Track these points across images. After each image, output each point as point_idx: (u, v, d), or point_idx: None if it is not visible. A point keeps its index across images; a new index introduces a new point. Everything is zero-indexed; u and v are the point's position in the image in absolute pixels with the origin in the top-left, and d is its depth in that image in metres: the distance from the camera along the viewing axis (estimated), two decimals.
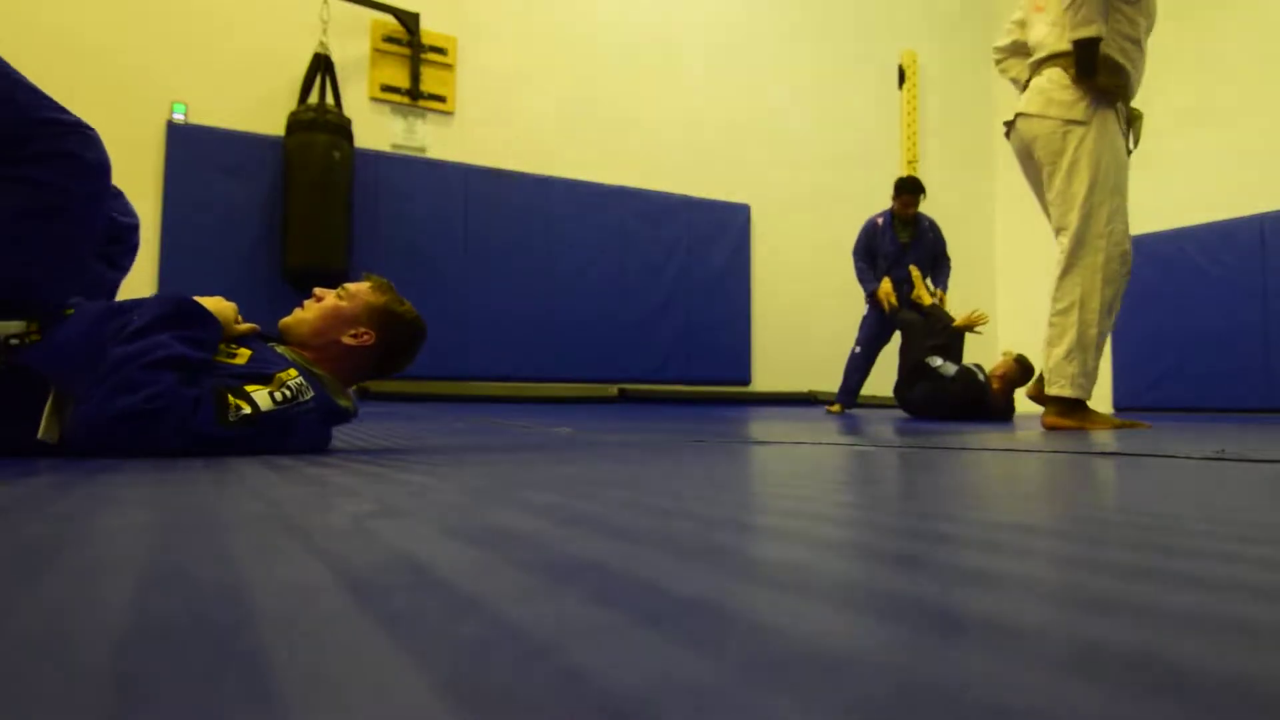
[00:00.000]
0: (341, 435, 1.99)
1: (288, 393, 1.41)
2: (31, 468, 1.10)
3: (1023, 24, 2.95)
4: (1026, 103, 2.74)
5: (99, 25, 5.19)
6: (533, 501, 0.79)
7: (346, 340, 1.57)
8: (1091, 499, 0.91)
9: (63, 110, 1.43)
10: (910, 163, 8.17)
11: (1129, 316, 7.23)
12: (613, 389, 6.46)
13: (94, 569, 0.48)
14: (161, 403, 1.26)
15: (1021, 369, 4.19)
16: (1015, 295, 8.41)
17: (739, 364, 7.17)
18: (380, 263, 5.71)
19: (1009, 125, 2.86)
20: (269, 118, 5.51)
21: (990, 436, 2.34)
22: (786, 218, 7.50)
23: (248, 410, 1.35)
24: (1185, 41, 6.95)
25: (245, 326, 1.52)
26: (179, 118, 5.33)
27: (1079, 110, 2.66)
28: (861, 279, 5.00)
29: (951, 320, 4.39)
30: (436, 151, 6.14)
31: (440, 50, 6.13)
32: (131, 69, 5.24)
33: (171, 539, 0.59)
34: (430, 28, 6.09)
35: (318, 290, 1.62)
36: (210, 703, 0.26)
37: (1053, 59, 2.71)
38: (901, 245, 4.90)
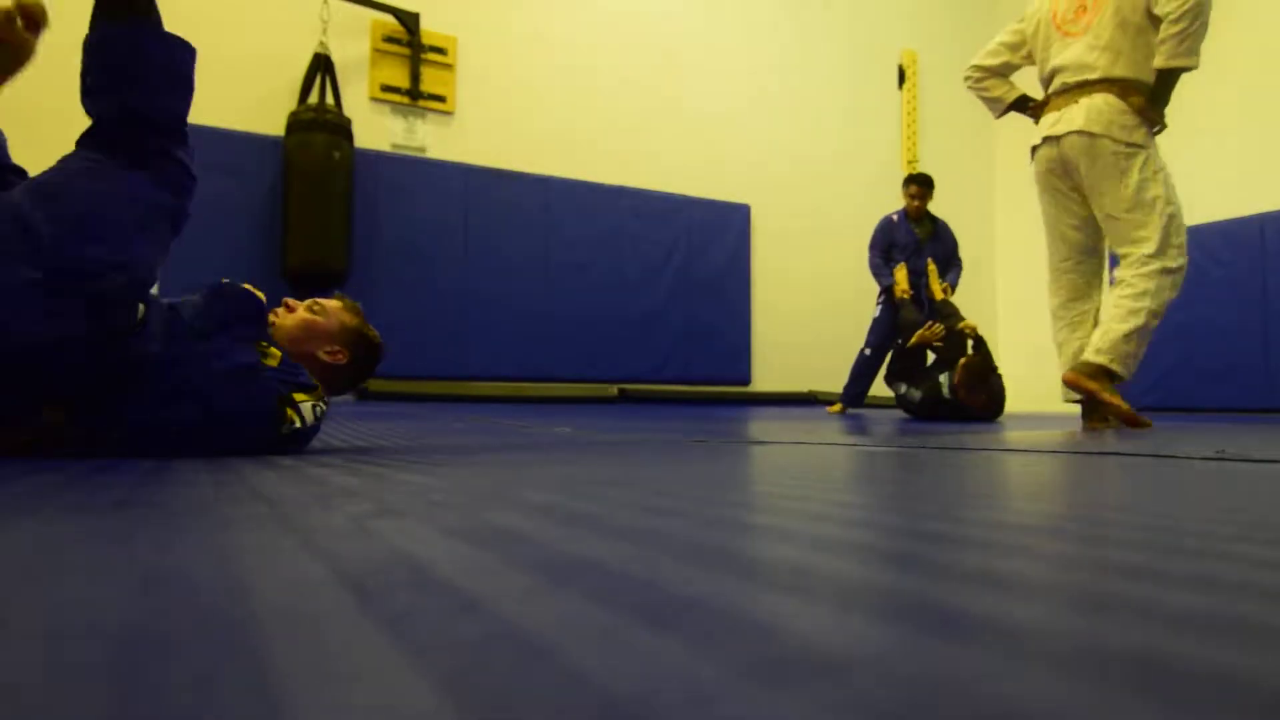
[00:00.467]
0: (342, 435, 2.00)
1: (324, 406, 1.45)
2: (31, 467, 1.10)
3: (1015, 47, 3.02)
4: (1086, 121, 2.76)
5: None
6: (533, 501, 0.79)
7: (322, 356, 1.57)
8: (1091, 499, 0.91)
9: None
10: (910, 162, 8.17)
11: None
12: (613, 389, 6.46)
13: (94, 569, 0.48)
14: (255, 404, 1.29)
15: (969, 373, 3.98)
16: (1015, 295, 8.41)
17: (739, 364, 7.17)
18: (380, 263, 5.71)
19: (1054, 140, 2.85)
20: (269, 118, 5.51)
21: (989, 436, 2.34)
22: (786, 218, 7.50)
23: (298, 424, 1.37)
24: None
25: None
26: None
27: (1140, 135, 2.76)
28: (877, 274, 4.97)
29: (960, 319, 4.32)
30: (436, 151, 6.14)
31: (440, 50, 6.13)
32: None
33: (171, 539, 0.59)
34: (430, 28, 6.09)
35: (288, 300, 1.62)
36: (210, 703, 0.26)
37: (1105, 83, 2.76)
38: (919, 239, 4.91)
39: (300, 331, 1.57)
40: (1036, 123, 2.98)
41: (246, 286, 1.49)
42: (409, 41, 5.99)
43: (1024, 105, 3.09)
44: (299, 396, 1.39)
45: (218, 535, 0.60)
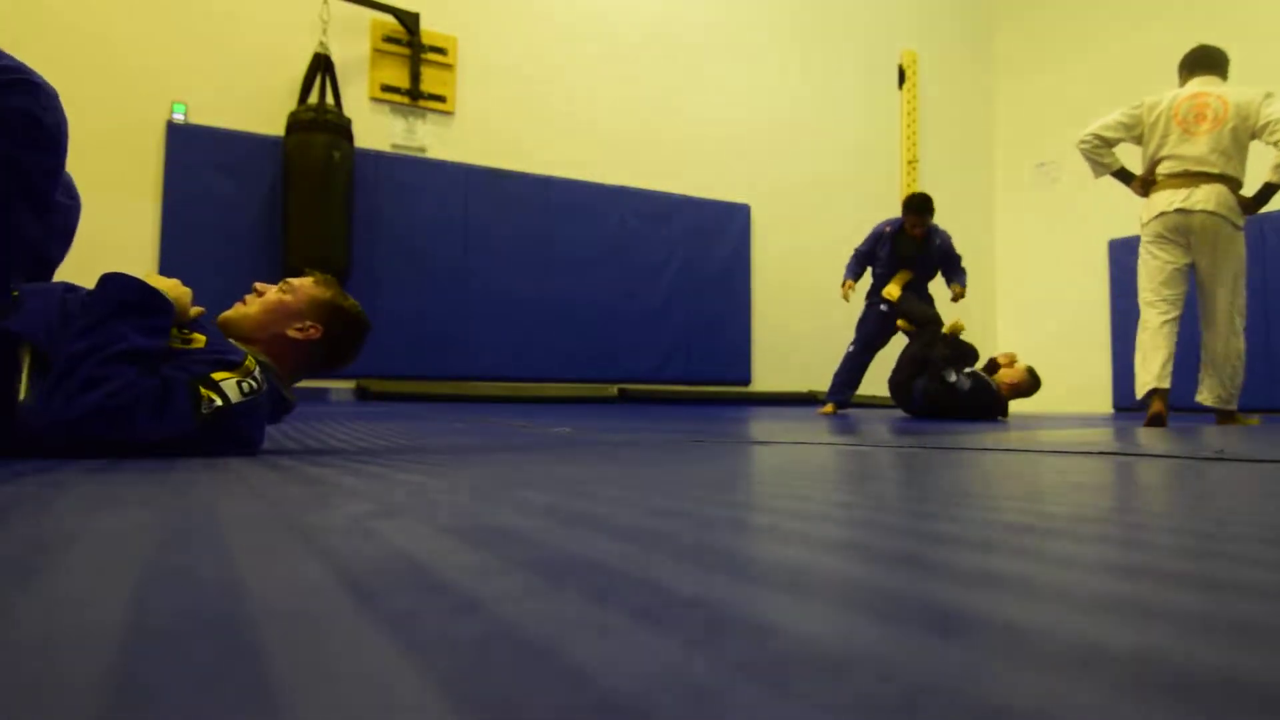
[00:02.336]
0: (342, 435, 1.99)
1: (253, 383, 1.37)
2: (31, 468, 1.10)
3: (1129, 128, 3.74)
4: (1216, 205, 3.54)
5: (99, 25, 5.19)
6: (533, 501, 0.78)
7: (292, 334, 1.53)
8: (1091, 499, 0.91)
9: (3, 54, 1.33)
10: (910, 162, 8.17)
11: (1129, 316, 7.24)
12: (613, 389, 6.46)
13: (94, 569, 0.48)
14: (127, 396, 1.23)
15: (1032, 379, 4.26)
16: (1015, 295, 8.41)
17: (739, 364, 7.17)
18: (380, 263, 5.72)
19: (1185, 212, 3.57)
20: (269, 118, 5.51)
21: (988, 437, 2.34)
22: (786, 218, 7.50)
23: (219, 402, 1.31)
24: (1185, 43, 6.95)
25: (196, 310, 1.46)
26: (179, 117, 5.33)
27: (1242, 220, 3.62)
28: (847, 272, 5.00)
29: (940, 325, 4.44)
30: (436, 151, 6.14)
31: (440, 50, 6.13)
32: (131, 69, 5.24)
33: (171, 539, 0.59)
34: (430, 28, 6.09)
35: (258, 285, 1.58)
36: (210, 703, 0.26)
37: (1221, 178, 3.53)
38: (900, 258, 4.86)
39: (268, 315, 1.53)
40: (1140, 192, 3.78)
41: (137, 275, 1.38)
42: (409, 41, 5.99)
43: (1125, 175, 3.82)
44: (219, 375, 1.33)
45: (218, 535, 0.60)
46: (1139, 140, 3.74)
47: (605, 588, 0.42)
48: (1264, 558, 0.52)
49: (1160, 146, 3.64)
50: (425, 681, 0.27)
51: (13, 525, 0.66)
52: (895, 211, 8.09)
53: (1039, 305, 8.14)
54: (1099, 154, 3.81)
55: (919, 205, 4.75)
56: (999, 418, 4.06)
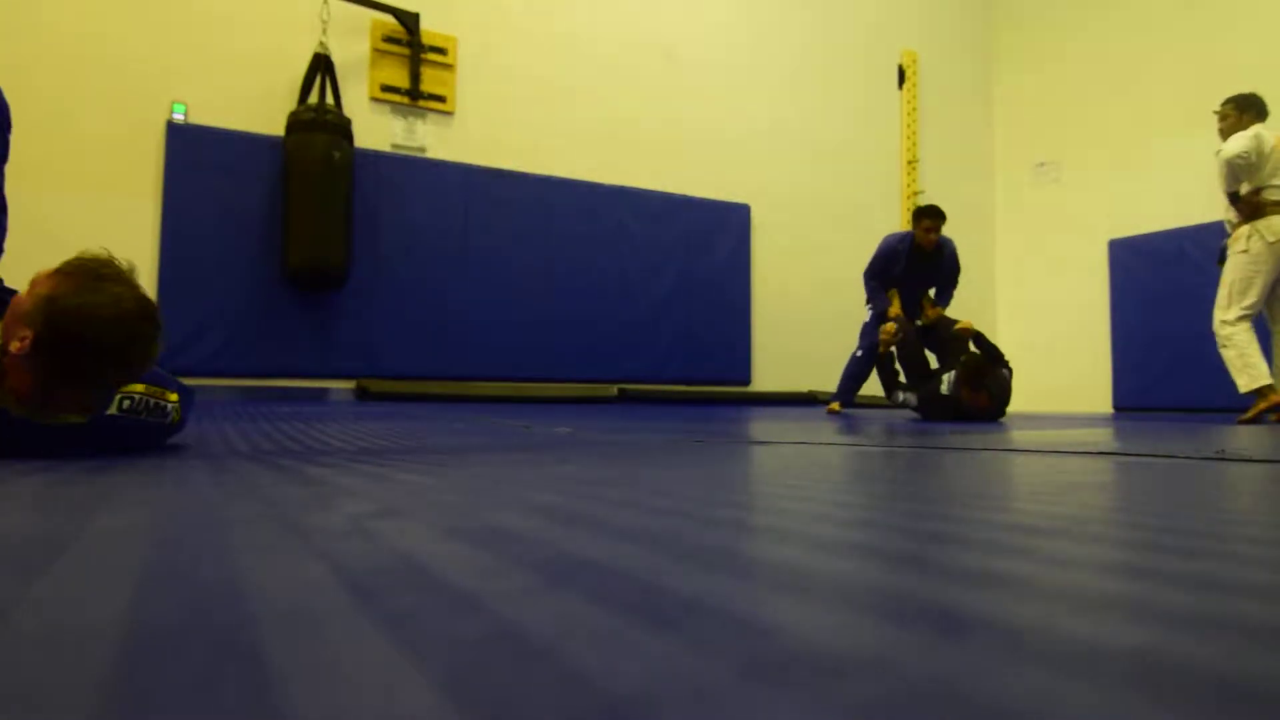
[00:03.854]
0: (342, 435, 1.99)
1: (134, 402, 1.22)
2: (31, 467, 1.10)
3: (1258, 153, 4.07)
4: None
5: (99, 25, 5.19)
6: (533, 501, 0.78)
7: (12, 347, 1.17)
8: (1091, 499, 0.91)
9: None
10: (910, 163, 8.17)
11: (1129, 316, 7.26)
12: (613, 389, 6.46)
13: (94, 569, 0.48)
14: None
15: (969, 371, 3.98)
16: (1015, 295, 8.41)
17: (739, 364, 7.17)
18: (380, 263, 5.72)
19: None
20: (269, 118, 5.51)
21: (988, 437, 2.34)
22: (786, 218, 7.49)
23: None
24: (1185, 42, 6.96)
25: None
26: (179, 118, 5.33)
27: None
28: (872, 297, 4.93)
29: (954, 323, 4.41)
30: (436, 151, 6.13)
31: (440, 50, 6.13)
32: (131, 69, 5.24)
33: (171, 539, 0.59)
34: (430, 28, 6.08)
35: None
36: (210, 703, 0.26)
37: None
38: (913, 272, 4.84)
39: (7, 319, 1.20)
40: (1244, 213, 4.12)
41: None
42: (409, 41, 5.99)
43: (1237, 195, 4.16)
44: None
45: (218, 535, 0.60)
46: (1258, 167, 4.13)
47: (605, 588, 0.42)
48: (1264, 558, 0.52)
49: (1270, 175, 4.08)
50: (425, 681, 0.27)
51: (13, 525, 0.66)
52: (896, 212, 8.11)
53: (1039, 305, 8.14)
54: (1250, 170, 4.07)
55: (932, 211, 4.72)
56: (991, 418, 3.99)
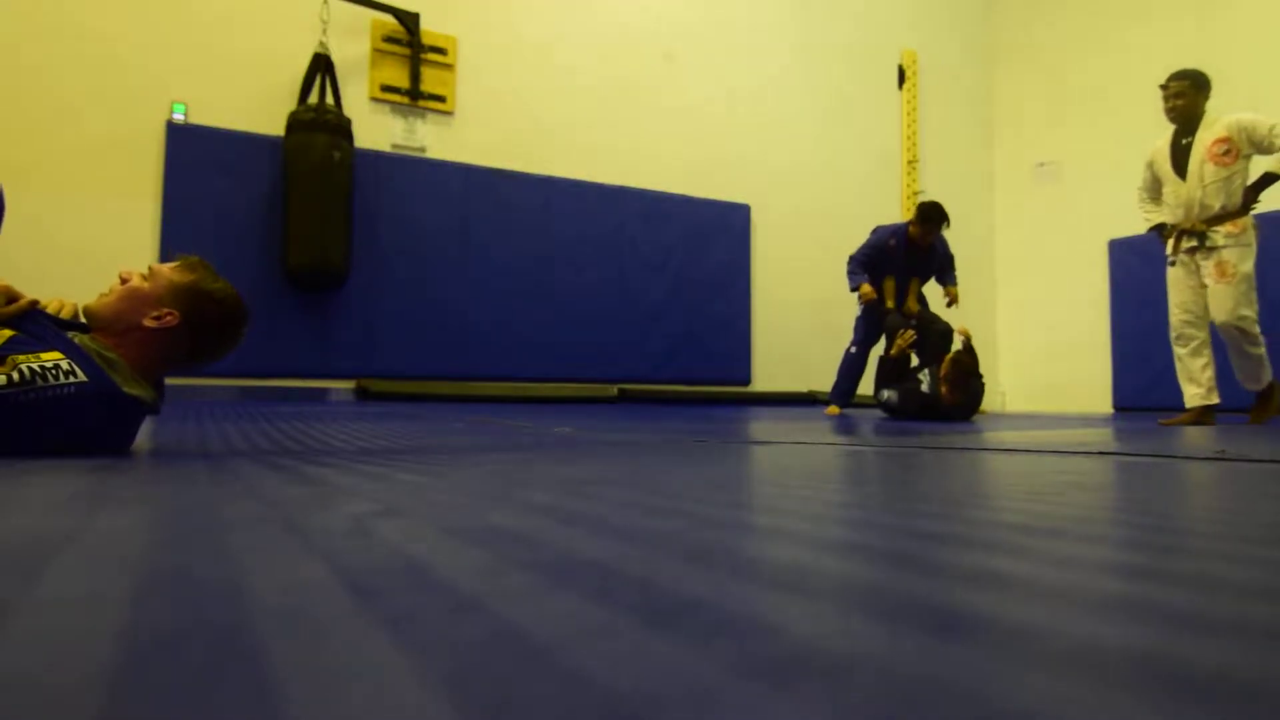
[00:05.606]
0: (342, 435, 1.99)
1: (19, 374, 1.28)
2: (31, 467, 1.10)
3: None
4: None
5: (99, 25, 5.19)
6: (533, 501, 0.78)
7: (148, 323, 1.43)
8: (1091, 499, 0.91)
9: None
10: (910, 162, 8.17)
11: (1129, 316, 7.25)
12: (612, 389, 6.46)
13: (94, 569, 0.48)
14: None
15: (957, 368, 3.99)
16: (1015, 295, 8.41)
17: (739, 364, 7.17)
18: (380, 263, 5.72)
19: None
20: (269, 118, 5.51)
21: (989, 437, 2.34)
22: (786, 218, 7.50)
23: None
24: (1184, 42, 6.95)
25: (15, 306, 1.38)
26: (178, 117, 5.33)
27: None
28: (850, 274, 4.94)
29: (942, 323, 4.43)
30: (436, 151, 6.13)
31: (440, 50, 6.13)
32: (131, 69, 5.24)
33: (171, 539, 0.59)
34: (430, 28, 6.08)
35: (123, 271, 1.50)
36: (210, 703, 0.26)
37: None
38: (904, 267, 4.85)
39: (122, 304, 1.44)
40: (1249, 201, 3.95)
41: None
42: (409, 41, 5.99)
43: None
44: (22, 357, 1.28)
45: (218, 535, 0.60)
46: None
47: (605, 588, 0.42)
48: (1263, 558, 0.52)
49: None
50: (425, 681, 0.27)
51: (13, 525, 0.66)
52: (896, 212, 8.10)
53: (1039, 305, 8.14)
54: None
55: (936, 216, 4.68)
56: (962, 417, 3.98)
